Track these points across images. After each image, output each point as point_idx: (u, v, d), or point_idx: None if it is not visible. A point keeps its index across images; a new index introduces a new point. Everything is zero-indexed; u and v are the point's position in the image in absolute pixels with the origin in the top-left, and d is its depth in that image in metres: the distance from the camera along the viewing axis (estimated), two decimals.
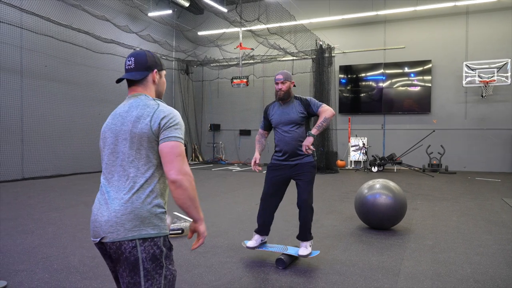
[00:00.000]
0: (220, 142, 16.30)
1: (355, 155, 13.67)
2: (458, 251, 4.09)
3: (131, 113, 1.70)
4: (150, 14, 12.89)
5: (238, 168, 13.57)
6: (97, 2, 11.51)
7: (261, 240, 3.89)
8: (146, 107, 1.70)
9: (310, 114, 3.67)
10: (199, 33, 14.88)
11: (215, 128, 16.19)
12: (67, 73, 11.21)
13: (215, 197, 7.60)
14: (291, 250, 3.77)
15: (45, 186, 9.00)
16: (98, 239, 1.64)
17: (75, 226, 5.13)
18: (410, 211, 6.08)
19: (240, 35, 13.44)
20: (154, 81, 1.82)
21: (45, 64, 10.57)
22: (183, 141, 1.69)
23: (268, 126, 3.90)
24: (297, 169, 3.66)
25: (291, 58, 13.94)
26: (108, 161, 1.71)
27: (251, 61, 14.35)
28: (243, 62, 14.12)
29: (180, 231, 4.69)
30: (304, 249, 3.67)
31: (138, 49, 13.20)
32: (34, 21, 9.96)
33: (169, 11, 13.37)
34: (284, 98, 3.69)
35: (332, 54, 13.28)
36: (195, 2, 11.80)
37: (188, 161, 15.80)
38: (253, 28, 11.76)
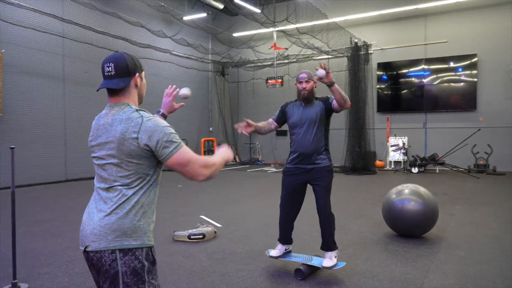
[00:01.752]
0: (257, 143, 16.29)
1: (394, 155, 13.15)
2: (493, 265, 3.78)
3: (116, 127, 1.65)
4: (185, 18, 13.12)
5: (274, 169, 13.49)
6: (133, 8, 11.85)
7: (285, 249, 3.78)
8: (130, 121, 1.64)
9: (328, 108, 3.52)
10: (234, 35, 14.96)
11: None
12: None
13: (246, 199, 7.58)
14: (316, 261, 3.62)
15: (86, 188, 9.40)
16: (83, 248, 1.64)
17: None
18: (446, 216, 5.73)
19: (274, 35, 13.35)
20: (136, 85, 1.76)
21: (85, 70, 11.04)
22: (181, 144, 1.64)
23: (280, 121, 3.78)
24: (313, 173, 3.53)
25: (327, 56, 13.65)
26: (97, 171, 1.72)
27: (286, 61, 14.21)
28: (277, 62, 14.02)
29: (201, 236, 4.69)
30: (329, 260, 3.52)
31: (174, 52, 13.53)
32: (74, 30, 10.44)
33: (204, 14, 13.53)
34: (308, 97, 3.58)
35: (369, 51, 12.85)
36: (228, 4, 11.85)
37: None
38: (286, 28, 11.64)
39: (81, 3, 9.91)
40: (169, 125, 1.69)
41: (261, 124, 3.77)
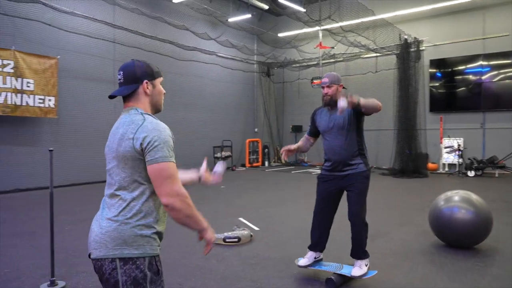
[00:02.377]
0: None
1: (448, 158, 12.37)
2: None
3: (118, 130, 1.66)
4: (230, 20, 13.21)
5: (319, 171, 13.19)
6: (180, 12, 12.11)
7: (315, 258, 3.62)
8: (131, 123, 1.63)
9: (357, 112, 3.30)
10: (279, 35, 14.85)
11: (297, 129, 16.00)
12: None
13: (287, 202, 7.45)
14: (346, 270, 3.46)
15: None
16: (88, 254, 1.64)
17: None
18: (502, 226, 5.25)
19: (320, 34, 13.07)
20: (146, 93, 1.72)
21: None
22: (171, 159, 1.59)
23: (314, 132, 3.65)
24: (348, 179, 3.35)
25: (374, 54, 13.14)
26: (107, 178, 1.72)
27: (332, 60, 13.86)
28: (323, 61, 13.72)
29: (236, 240, 4.64)
30: (358, 269, 3.34)
31: (220, 54, 13.68)
32: (124, 35, 10.86)
33: (248, 15, 13.54)
34: (331, 103, 3.41)
35: (421, 48, 12.20)
36: (271, 4, 11.77)
37: (270, 162, 15.87)
38: (332, 26, 11.35)
39: (130, 10, 10.29)
40: (171, 135, 1.65)
41: (300, 143, 3.75)
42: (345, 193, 3.47)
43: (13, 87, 8.54)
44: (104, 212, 1.65)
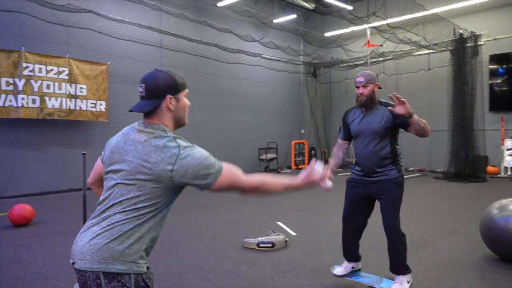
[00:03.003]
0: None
1: (511, 161, 11.39)
2: None
3: (149, 150, 1.53)
4: (275, 21, 13.13)
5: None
6: (223, 14, 12.21)
7: (352, 268, 3.42)
8: (167, 150, 1.52)
9: (399, 125, 3.09)
10: (326, 34, 14.53)
11: None
12: (200, 84, 12.21)
13: (329, 207, 7.21)
14: (385, 284, 3.22)
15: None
16: (72, 262, 1.57)
17: (180, 231, 5.45)
18: None
19: (368, 32, 12.60)
20: (169, 108, 1.62)
21: (180, 77, 11.70)
22: (218, 168, 1.57)
23: (348, 135, 3.43)
24: (379, 186, 3.12)
25: (427, 51, 12.44)
26: (104, 187, 1.65)
27: (381, 58, 13.31)
28: (371, 60, 13.21)
29: (270, 245, 4.52)
30: (398, 285, 3.09)
31: (265, 56, 13.64)
32: (171, 40, 11.14)
33: (294, 16, 13.38)
34: (366, 104, 3.18)
35: (478, 43, 11.35)
36: (318, 4, 11.54)
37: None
38: (380, 24, 10.89)
39: (176, 15, 10.54)
40: (206, 154, 1.59)
41: (335, 158, 3.46)
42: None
43: (67, 92, 9.04)
44: (95, 221, 1.56)
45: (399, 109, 2.82)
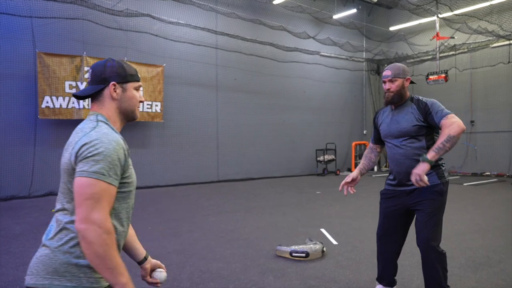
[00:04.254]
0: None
1: None
2: None
3: (69, 139, 1.44)
4: (335, 16, 12.59)
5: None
6: (279, 12, 11.94)
7: None
8: (80, 131, 1.40)
9: (430, 125, 2.61)
10: (391, 29, 13.64)
11: None
12: (254, 83, 12.09)
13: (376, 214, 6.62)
14: None
15: (231, 189, 9.89)
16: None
17: (216, 233, 5.29)
18: None
19: (437, 24, 11.56)
20: (112, 96, 1.48)
21: (235, 77, 11.68)
22: (104, 178, 1.29)
23: (378, 138, 2.99)
24: (415, 196, 2.65)
25: (507, 42, 11.08)
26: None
27: (451, 52, 12.14)
28: (440, 54, 12.10)
29: (303, 255, 4.17)
30: None
31: (323, 53, 13.13)
32: (226, 41, 11.15)
33: (354, 10, 12.72)
34: (394, 101, 2.74)
35: None
36: None
37: (381, 167, 14.63)
38: (450, 14, 9.90)
39: (227, 14, 10.52)
40: (123, 152, 1.36)
41: (366, 160, 3.08)
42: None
43: None
44: (47, 231, 1.43)
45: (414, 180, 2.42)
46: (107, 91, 1.48)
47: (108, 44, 9.34)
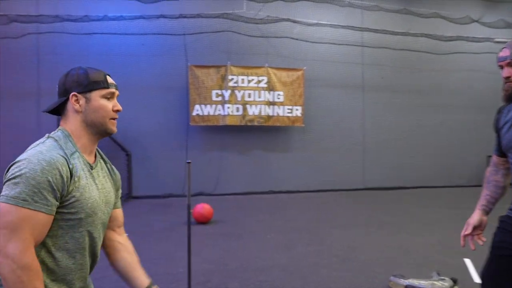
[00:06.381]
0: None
1: None
2: None
3: None
4: None
5: None
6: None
7: None
8: (28, 149, 1.29)
9: None
10: None
11: None
12: (409, 81, 10.82)
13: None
14: None
15: (374, 198, 9.08)
16: None
17: (333, 251, 4.79)
18: None
19: None
20: (74, 109, 1.34)
21: (382, 76, 10.67)
22: (22, 203, 1.14)
23: (502, 148, 2.09)
24: None
25: None
26: None
27: None
28: None
29: None
30: None
31: (498, 39, 10.85)
32: (373, 37, 10.31)
33: None
34: None
35: None
36: None
37: None
38: None
39: (368, 8, 9.70)
40: (57, 174, 1.19)
41: (488, 188, 2.14)
42: None
43: (266, 100, 9.63)
44: None
45: None
46: (69, 104, 1.35)
47: (250, 52, 9.72)
